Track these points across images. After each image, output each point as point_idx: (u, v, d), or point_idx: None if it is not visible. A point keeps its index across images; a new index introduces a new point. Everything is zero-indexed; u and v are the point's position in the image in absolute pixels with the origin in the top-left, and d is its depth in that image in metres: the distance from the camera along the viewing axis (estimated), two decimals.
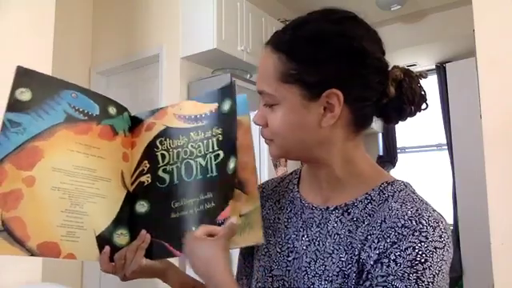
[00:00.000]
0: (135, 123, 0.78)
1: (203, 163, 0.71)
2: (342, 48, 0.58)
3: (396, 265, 0.52)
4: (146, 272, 0.70)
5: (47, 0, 1.87)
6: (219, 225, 0.66)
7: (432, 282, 0.51)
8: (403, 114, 0.62)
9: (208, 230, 0.63)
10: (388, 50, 0.63)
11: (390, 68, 0.61)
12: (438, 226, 0.53)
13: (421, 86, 0.61)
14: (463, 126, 3.36)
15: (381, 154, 4.47)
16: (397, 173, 4.22)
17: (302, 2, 3.76)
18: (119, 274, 0.71)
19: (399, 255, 0.52)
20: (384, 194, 0.60)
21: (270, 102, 0.61)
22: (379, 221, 0.57)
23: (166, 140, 0.75)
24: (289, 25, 0.63)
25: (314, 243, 0.63)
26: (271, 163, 2.29)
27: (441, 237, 0.53)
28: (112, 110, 0.74)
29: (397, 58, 3.69)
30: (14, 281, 1.59)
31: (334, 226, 0.62)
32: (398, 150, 4.39)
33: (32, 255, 0.63)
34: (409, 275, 0.51)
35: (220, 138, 0.71)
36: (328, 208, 0.64)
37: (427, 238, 0.52)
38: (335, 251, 0.60)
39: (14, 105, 0.65)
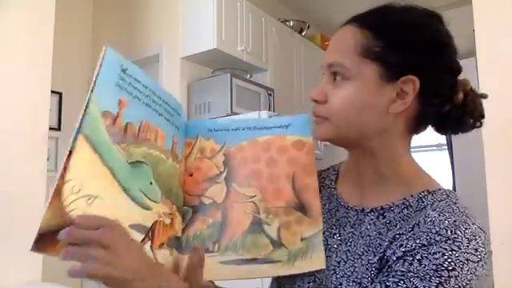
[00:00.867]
0: None
1: None
2: (428, 39, 0.58)
3: (420, 265, 0.50)
4: None
5: (47, 0, 1.87)
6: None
7: None
8: (462, 126, 0.63)
9: None
10: None
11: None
12: (475, 239, 0.51)
13: (482, 105, 0.63)
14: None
15: None
16: None
17: (302, 2, 3.77)
18: None
19: (426, 257, 0.50)
20: (423, 202, 0.58)
21: (341, 73, 0.59)
22: (412, 224, 0.55)
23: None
24: (373, 9, 0.62)
25: (346, 243, 0.62)
26: None
27: (476, 250, 0.50)
28: None
29: None
30: (14, 281, 1.59)
31: (367, 228, 0.61)
32: None
33: None
34: (431, 277, 0.48)
35: None
36: (364, 210, 0.63)
37: (460, 248, 0.49)
38: (365, 253, 0.59)
39: None
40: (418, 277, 0.49)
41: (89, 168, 0.53)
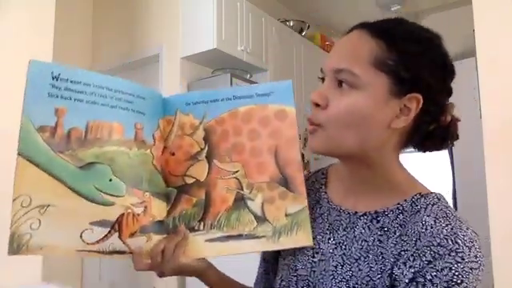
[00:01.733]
0: None
1: None
2: (437, 59, 0.59)
3: (432, 285, 0.52)
4: (184, 270, 0.67)
5: (47, 0, 1.87)
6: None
7: None
8: (443, 145, 0.64)
9: None
10: None
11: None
12: (473, 245, 0.53)
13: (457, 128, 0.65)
14: (463, 126, 3.36)
15: None
16: None
17: (302, 2, 3.77)
18: (156, 271, 0.67)
19: (435, 275, 0.52)
20: (416, 205, 0.59)
21: (350, 81, 0.57)
22: (414, 238, 0.56)
23: None
24: (386, 20, 0.62)
25: (341, 247, 0.62)
26: None
27: (476, 257, 0.52)
28: None
29: None
30: (14, 281, 1.59)
31: (361, 232, 0.61)
32: None
33: None
34: None
35: None
36: (356, 213, 0.63)
37: (463, 259, 0.52)
38: (362, 258, 0.59)
39: None
40: None
41: (34, 182, 0.59)
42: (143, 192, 0.66)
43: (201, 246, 0.67)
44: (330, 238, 0.64)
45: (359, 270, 0.59)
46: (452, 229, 0.54)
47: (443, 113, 0.61)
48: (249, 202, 0.67)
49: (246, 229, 0.66)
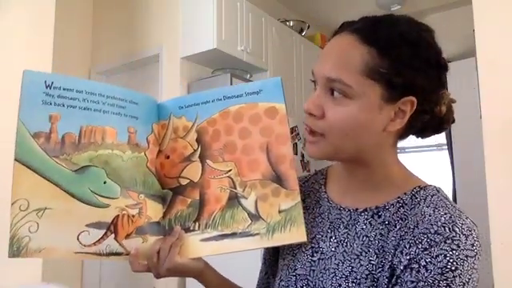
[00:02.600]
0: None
1: None
2: (432, 58, 0.58)
3: (426, 271, 0.52)
4: (180, 270, 0.67)
5: (47, 0, 1.87)
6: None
7: None
8: (440, 130, 0.64)
9: None
10: None
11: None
12: (471, 234, 0.53)
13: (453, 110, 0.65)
14: (463, 126, 3.36)
15: None
16: None
17: (302, 2, 3.77)
18: (153, 272, 0.67)
19: (430, 262, 0.52)
20: (416, 198, 0.60)
21: (343, 91, 0.57)
22: (412, 226, 0.56)
23: None
24: (377, 20, 0.60)
25: (342, 245, 0.62)
26: None
27: (473, 245, 0.53)
28: None
29: None
30: (14, 281, 1.59)
31: (362, 228, 0.61)
32: (398, 150, 4.37)
33: None
34: (439, 282, 0.51)
35: None
36: (357, 209, 0.63)
37: (459, 247, 0.52)
38: (363, 253, 0.59)
39: None
40: (428, 285, 0.51)
41: (31, 186, 0.62)
42: (138, 194, 0.67)
43: (196, 246, 0.68)
44: (331, 237, 0.64)
45: (360, 265, 0.59)
46: (450, 217, 0.54)
47: (438, 104, 0.61)
48: (242, 201, 0.67)
49: (241, 227, 0.67)
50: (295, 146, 3.01)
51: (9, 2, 1.74)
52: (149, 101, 0.71)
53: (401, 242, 0.57)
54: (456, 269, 0.51)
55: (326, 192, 0.70)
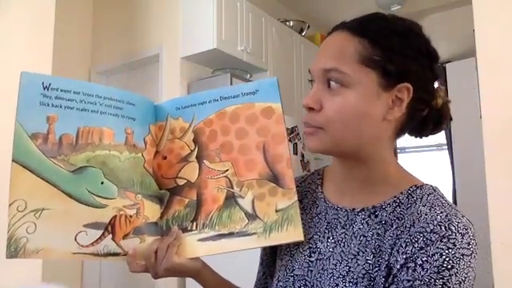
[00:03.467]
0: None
1: None
2: (421, 47, 0.60)
3: (423, 270, 0.52)
4: (178, 270, 0.67)
5: (47, 0, 1.87)
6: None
7: None
8: (438, 128, 0.65)
9: None
10: None
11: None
12: (467, 232, 0.53)
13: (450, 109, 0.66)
14: (463, 126, 3.36)
15: None
16: None
17: (302, 2, 3.77)
18: (151, 272, 0.67)
19: (426, 260, 0.52)
20: (412, 197, 0.60)
21: (340, 80, 0.58)
22: (408, 225, 0.56)
23: None
24: (364, 17, 0.63)
25: (340, 245, 0.62)
26: None
27: (469, 244, 0.53)
28: None
29: None
30: (14, 281, 1.59)
31: (359, 228, 0.61)
32: (398, 150, 4.39)
33: None
34: (435, 281, 0.51)
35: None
36: (354, 209, 0.63)
37: (455, 245, 0.52)
38: (361, 253, 0.59)
39: None
40: (424, 283, 0.51)
41: (29, 187, 0.62)
42: (135, 194, 0.67)
43: (194, 246, 0.68)
44: (329, 237, 0.64)
45: (357, 265, 0.59)
46: (446, 216, 0.54)
47: (434, 97, 0.63)
48: (239, 200, 0.68)
49: (238, 226, 0.67)
50: (295, 146, 3.01)
51: (9, 1, 1.74)
52: (146, 102, 0.71)
53: (397, 241, 0.57)
54: (452, 267, 0.51)
55: (322, 192, 0.70)
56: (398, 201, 0.61)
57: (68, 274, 2.86)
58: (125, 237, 0.66)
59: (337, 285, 0.59)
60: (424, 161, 4.32)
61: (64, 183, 0.64)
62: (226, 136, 0.69)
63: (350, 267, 0.59)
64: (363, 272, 0.58)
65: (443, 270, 0.51)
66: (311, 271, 0.63)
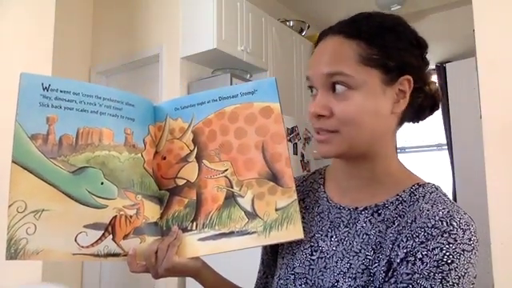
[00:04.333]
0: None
1: None
2: (412, 38, 0.62)
3: (422, 264, 0.52)
4: (178, 270, 0.67)
5: (47, 0, 1.87)
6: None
7: (457, 284, 0.51)
8: (433, 111, 0.67)
9: None
10: None
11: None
12: (469, 228, 0.53)
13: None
14: (463, 126, 3.36)
15: None
16: None
17: (302, 2, 3.77)
18: (151, 272, 0.68)
19: (426, 254, 0.52)
20: (415, 195, 0.61)
21: (345, 83, 0.59)
22: (410, 221, 0.57)
23: None
24: (353, 18, 0.64)
25: (343, 243, 0.62)
26: None
27: (470, 240, 0.53)
28: None
29: None
30: (14, 281, 1.59)
31: (362, 226, 0.62)
32: (398, 150, 4.39)
33: None
34: (434, 275, 0.51)
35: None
36: (357, 208, 0.64)
37: (456, 240, 0.52)
38: (362, 250, 0.60)
39: None
40: (423, 277, 0.52)
41: (29, 188, 0.62)
42: (135, 194, 0.68)
43: (194, 246, 0.68)
44: (332, 236, 0.64)
45: (358, 261, 0.59)
46: (448, 212, 0.55)
47: (427, 83, 0.65)
48: (239, 199, 0.68)
49: (238, 226, 0.67)
50: (295, 146, 3.01)
51: (9, 1, 1.74)
52: (145, 103, 0.72)
53: (398, 236, 0.57)
54: (452, 262, 0.51)
55: (325, 191, 0.70)
56: (400, 199, 0.61)
57: (68, 274, 2.86)
58: (125, 237, 0.66)
59: (337, 281, 0.59)
60: (424, 161, 4.32)
61: (64, 184, 0.64)
62: (225, 136, 0.69)
63: (351, 264, 0.60)
64: (363, 267, 0.58)
65: (443, 265, 0.51)
66: (312, 269, 0.64)
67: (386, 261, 0.57)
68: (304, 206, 0.71)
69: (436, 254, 0.52)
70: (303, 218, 0.69)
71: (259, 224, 0.66)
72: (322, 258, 0.63)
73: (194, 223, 0.68)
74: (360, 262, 0.59)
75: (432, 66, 4.05)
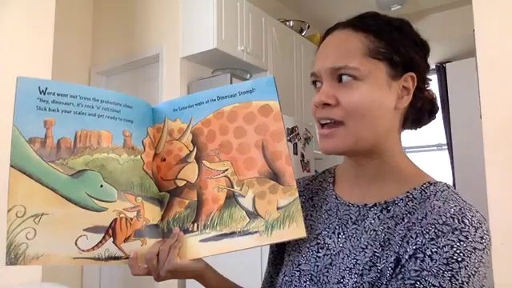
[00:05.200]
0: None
1: None
2: (416, 38, 0.64)
3: (431, 261, 0.51)
4: (180, 272, 0.67)
5: (47, 0, 1.86)
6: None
7: (467, 282, 0.49)
8: (431, 118, 0.68)
9: None
10: None
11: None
12: (481, 226, 0.52)
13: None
14: (463, 126, 3.36)
15: None
16: None
17: (302, 2, 3.77)
18: (153, 275, 0.67)
19: (436, 251, 0.51)
20: (426, 193, 0.60)
21: (352, 75, 0.60)
22: (420, 217, 0.56)
23: None
24: (362, 15, 0.65)
25: (350, 240, 0.62)
26: None
27: (482, 238, 0.52)
28: None
29: None
30: (14, 281, 1.59)
31: (371, 223, 0.61)
32: None
33: None
34: (443, 272, 0.50)
35: None
36: (366, 205, 0.63)
37: (467, 238, 0.51)
38: (369, 246, 0.59)
39: None
40: (431, 274, 0.50)
41: (28, 192, 0.61)
42: (135, 197, 0.67)
43: (195, 247, 0.67)
44: (339, 233, 0.64)
45: (364, 257, 0.59)
46: (460, 209, 0.54)
47: (428, 86, 0.66)
48: (240, 199, 0.67)
49: (239, 226, 0.66)
50: (295, 146, 3.01)
51: (9, 1, 1.74)
52: (143, 104, 0.71)
53: (408, 232, 0.56)
54: (462, 260, 0.50)
55: (334, 190, 0.70)
56: (410, 196, 0.61)
57: (68, 274, 2.86)
58: (126, 240, 0.66)
59: (343, 277, 0.59)
60: (424, 161, 4.32)
61: (63, 187, 0.63)
62: (224, 135, 0.69)
63: (357, 260, 0.59)
64: (370, 264, 0.57)
65: (453, 262, 0.50)
66: (317, 266, 0.63)
67: (394, 257, 0.56)
68: (312, 204, 0.71)
69: (446, 252, 0.50)
70: (311, 215, 0.69)
71: (261, 223, 0.66)
72: (328, 254, 0.63)
73: (195, 224, 0.68)
74: (367, 259, 0.58)
75: (432, 66, 4.05)
